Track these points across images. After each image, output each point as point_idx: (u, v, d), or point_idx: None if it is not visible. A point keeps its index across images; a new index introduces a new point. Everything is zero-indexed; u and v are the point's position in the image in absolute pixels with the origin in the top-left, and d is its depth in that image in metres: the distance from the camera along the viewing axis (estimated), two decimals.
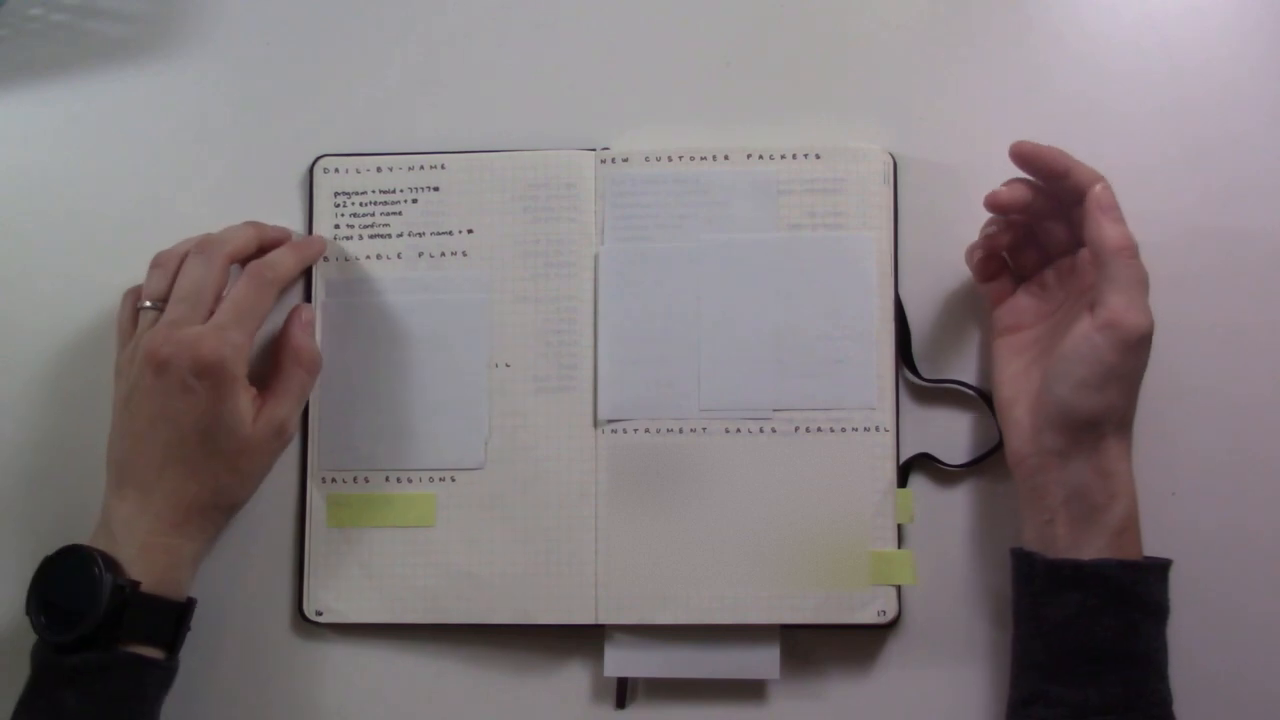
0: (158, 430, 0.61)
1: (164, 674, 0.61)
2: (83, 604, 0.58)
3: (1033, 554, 0.60)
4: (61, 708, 0.58)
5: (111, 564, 0.59)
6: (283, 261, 0.65)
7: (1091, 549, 0.58)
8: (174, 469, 0.61)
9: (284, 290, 0.67)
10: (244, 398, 0.62)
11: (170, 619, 0.61)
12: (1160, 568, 0.59)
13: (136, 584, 0.60)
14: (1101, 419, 0.58)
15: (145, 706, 0.60)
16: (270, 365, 0.66)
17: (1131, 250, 0.58)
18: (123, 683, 0.59)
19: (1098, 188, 0.60)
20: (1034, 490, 0.60)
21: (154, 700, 0.61)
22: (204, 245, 0.64)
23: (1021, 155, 0.61)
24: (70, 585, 0.59)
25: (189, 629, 0.63)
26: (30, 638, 0.60)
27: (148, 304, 0.64)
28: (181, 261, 0.64)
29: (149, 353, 0.61)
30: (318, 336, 0.69)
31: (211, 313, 0.62)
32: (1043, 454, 0.60)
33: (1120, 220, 0.59)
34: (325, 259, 0.69)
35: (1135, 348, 0.58)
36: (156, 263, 0.65)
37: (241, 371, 0.62)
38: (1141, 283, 0.58)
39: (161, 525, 0.61)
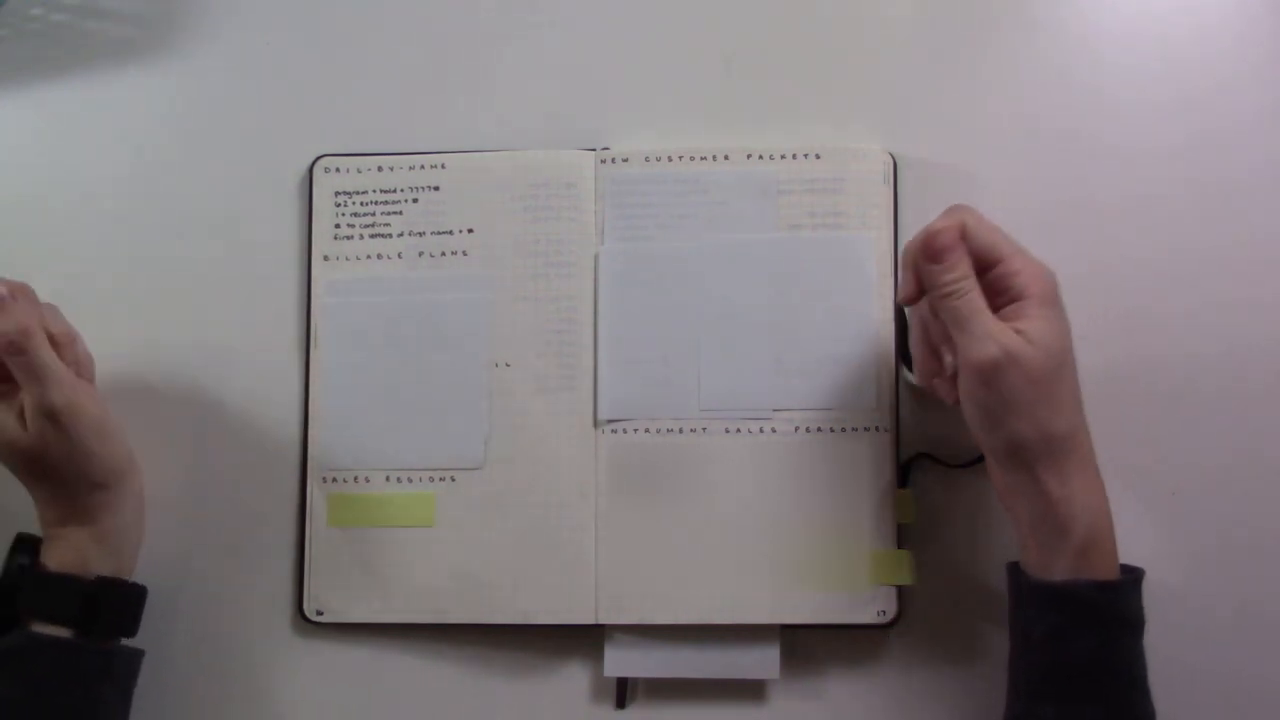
0: None
1: (98, 659, 0.61)
2: None
3: (1020, 571, 0.60)
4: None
5: (33, 547, 0.62)
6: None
7: (1060, 570, 0.57)
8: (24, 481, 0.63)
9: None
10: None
11: (72, 596, 0.61)
12: (1133, 583, 0.58)
13: (34, 563, 0.61)
14: (1015, 450, 0.57)
15: (78, 692, 0.60)
16: None
17: (955, 290, 0.56)
18: (40, 664, 0.59)
19: (924, 242, 0.57)
20: (1009, 516, 0.60)
21: (92, 686, 0.60)
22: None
23: (909, 298, 0.59)
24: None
25: (128, 614, 0.63)
26: None
27: None
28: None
29: None
30: (318, 337, 0.69)
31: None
32: (1005, 488, 0.59)
33: (951, 264, 0.56)
34: (326, 258, 0.69)
35: (991, 379, 0.55)
36: None
37: None
38: (974, 314, 0.56)
39: (48, 518, 0.62)
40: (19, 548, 0.62)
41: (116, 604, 0.62)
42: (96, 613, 0.61)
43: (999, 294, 0.57)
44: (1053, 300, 0.57)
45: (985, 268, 0.58)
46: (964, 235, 0.57)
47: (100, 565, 0.62)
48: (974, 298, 0.56)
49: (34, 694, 0.58)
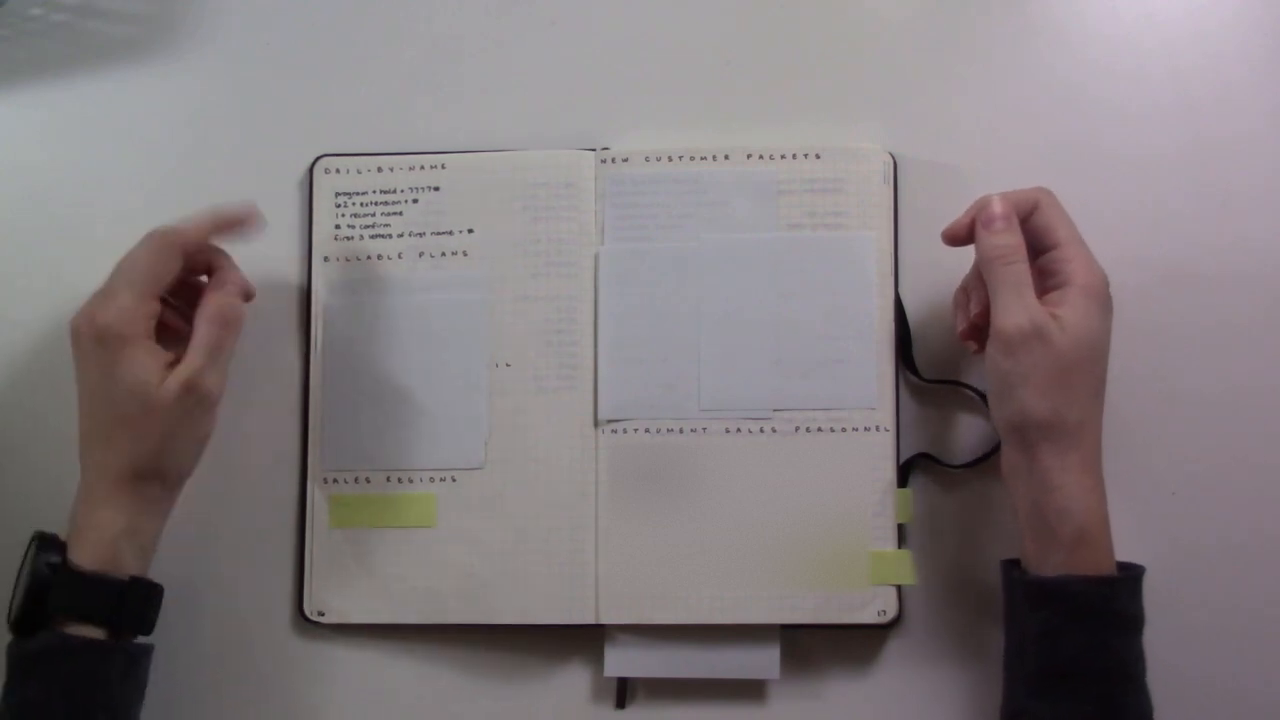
0: (81, 404, 0.61)
1: (124, 658, 0.60)
2: (19, 584, 0.60)
3: (1013, 567, 0.60)
4: (26, 698, 0.58)
5: (56, 545, 0.60)
6: (187, 225, 0.63)
7: (1051, 565, 0.58)
8: (93, 440, 0.61)
9: (189, 250, 0.62)
10: (143, 359, 0.59)
11: (106, 597, 0.60)
12: (1130, 580, 0.58)
13: (62, 562, 0.59)
14: (1021, 426, 0.58)
15: (106, 691, 0.59)
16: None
17: (1002, 256, 0.59)
18: (73, 666, 0.58)
19: (982, 203, 0.60)
20: (1012, 507, 0.60)
21: (117, 685, 0.60)
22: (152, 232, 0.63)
23: (952, 238, 0.62)
24: (20, 569, 0.60)
25: (150, 612, 0.62)
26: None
27: None
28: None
29: (69, 328, 0.61)
30: (318, 338, 0.69)
31: (155, 296, 0.61)
32: (1009, 470, 0.60)
33: (1000, 230, 0.59)
34: (326, 259, 0.69)
35: (1016, 348, 0.57)
36: None
37: (135, 332, 0.59)
38: (1015, 284, 0.58)
39: (90, 499, 0.60)
40: (44, 546, 0.60)
41: (144, 603, 0.62)
42: (125, 612, 0.60)
43: (1049, 276, 0.60)
44: (1096, 295, 0.59)
45: (1042, 249, 0.60)
46: (1032, 212, 0.60)
47: (131, 563, 0.61)
48: (1021, 269, 0.58)
49: (65, 696, 0.58)
